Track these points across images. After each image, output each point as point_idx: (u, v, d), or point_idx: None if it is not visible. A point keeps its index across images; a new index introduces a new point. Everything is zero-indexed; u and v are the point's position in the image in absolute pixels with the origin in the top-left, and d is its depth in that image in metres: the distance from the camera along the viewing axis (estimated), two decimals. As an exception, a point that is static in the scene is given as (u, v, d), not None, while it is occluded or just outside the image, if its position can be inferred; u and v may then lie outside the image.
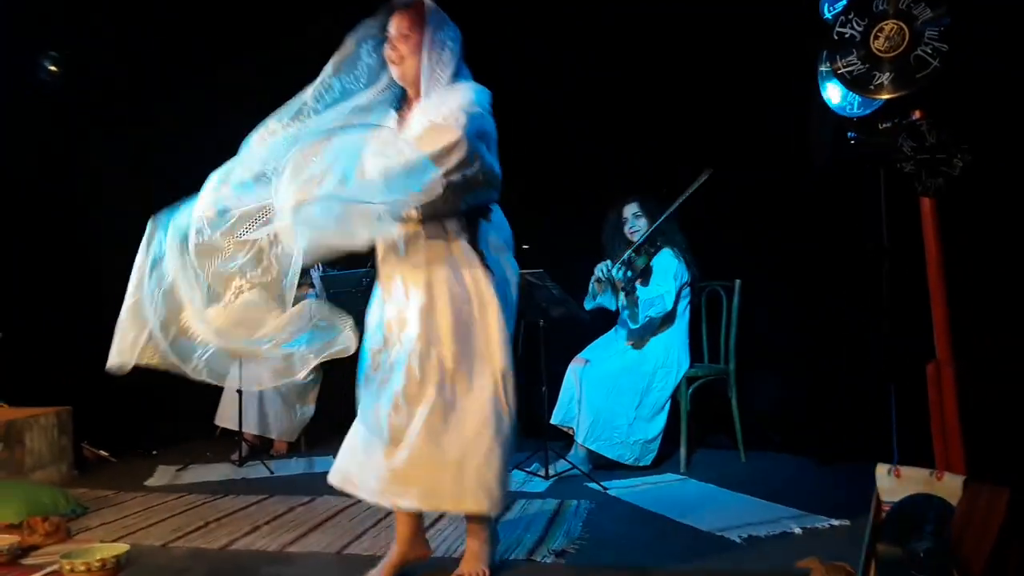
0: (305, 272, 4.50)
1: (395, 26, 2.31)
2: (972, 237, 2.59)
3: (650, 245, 3.84)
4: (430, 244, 2.32)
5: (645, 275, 3.84)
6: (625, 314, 3.96)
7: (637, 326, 3.88)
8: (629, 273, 3.78)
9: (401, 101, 2.41)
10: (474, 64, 2.42)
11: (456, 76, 2.33)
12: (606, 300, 4.02)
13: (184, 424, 4.84)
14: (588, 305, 4.00)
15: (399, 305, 2.36)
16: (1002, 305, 2.65)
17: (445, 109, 2.21)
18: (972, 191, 2.20)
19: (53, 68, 4.42)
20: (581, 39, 4.31)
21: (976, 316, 2.41)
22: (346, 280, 4.09)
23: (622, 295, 3.92)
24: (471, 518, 2.43)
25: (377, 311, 2.43)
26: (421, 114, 2.28)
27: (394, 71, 2.34)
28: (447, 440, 2.26)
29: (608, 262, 3.84)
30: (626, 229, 4.00)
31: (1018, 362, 2.59)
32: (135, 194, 3.69)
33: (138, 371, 4.55)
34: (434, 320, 2.30)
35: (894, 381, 3.01)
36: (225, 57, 4.91)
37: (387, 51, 2.32)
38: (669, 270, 3.85)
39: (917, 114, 2.21)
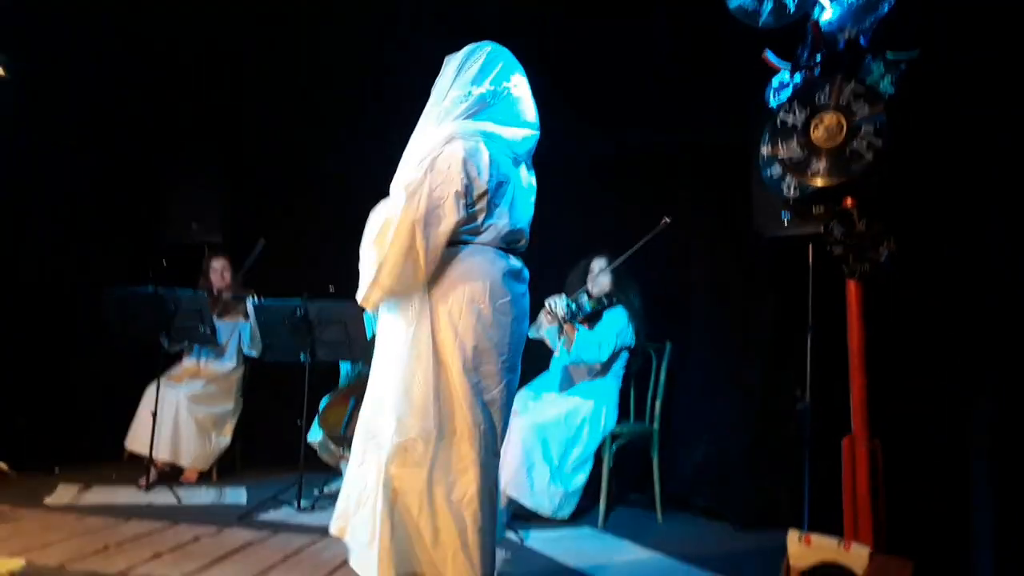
0: (242, 299, 4.48)
1: None
2: (897, 318, 2.76)
3: (606, 298, 3.92)
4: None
5: (593, 319, 3.92)
6: (561, 342, 3.99)
7: (567, 360, 3.94)
8: (574, 307, 3.85)
9: None
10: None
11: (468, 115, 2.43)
12: (551, 335, 4.06)
13: (92, 443, 4.67)
14: (531, 335, 4.02)
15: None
16: (916, 383, 2.81)
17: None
18: (898, 274, 2.34)
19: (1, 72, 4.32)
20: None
21: (894, 393, 2.54)
22: (279, 311, 4.04)
23: (562, 325, 3.96)
24: None
25: None
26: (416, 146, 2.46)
27: None
28: None
29: (562, 297, 3.92)
30: (589, 279, 4.08)
31: (930, 439, 2.75)
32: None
33: (49, 385, 4.35)
34: None
35: (811, 452, 3.13)
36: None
37: None
38: (614, 327, 3.94)
39: (848, 201, 2.35)
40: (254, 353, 4.61)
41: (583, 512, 3.89)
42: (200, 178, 5.17)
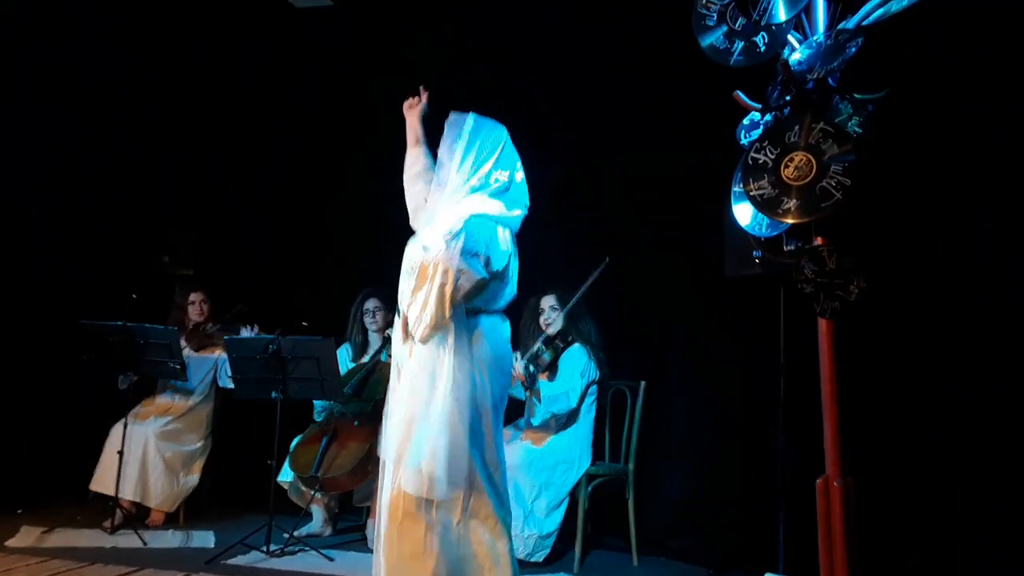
0: (233, 328, 4.43)
1: None
2: (870, 357, 2.75)
3: (560, 340, 3.88)
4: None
5: (551, 370, 3.87)
6: (527, 408, 3.96)
7: (537, 422, 3.89)
8: (532, 368, 3.81)
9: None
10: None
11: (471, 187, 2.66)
12: (516, 391, 4.01)
13: (56, 484, 4.55)
14: None
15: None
16: (892, 424, 2.80)
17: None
18: (869, 314, 2.34)
19: None
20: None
21: (869, 433, 2.53)
22: (251, 345, 3.98)
23: (527, 388, 3.93)
24: None
25: None
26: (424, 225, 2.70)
27: None
28: None
29: (519, 354, 3.88)
30: (541, 319, 4.04)
31: (903, 479, 2.73)
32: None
33: (11, 422, 4.24)
34: None
35: (785, 493, 3.09)
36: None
37: None
38: (577, 367, 3.89)
39: (819, 240, 2.36)
40: (232, 385, 4.53)
41: (558, 555, 3.81)
42: (172, 211, 5.15)
